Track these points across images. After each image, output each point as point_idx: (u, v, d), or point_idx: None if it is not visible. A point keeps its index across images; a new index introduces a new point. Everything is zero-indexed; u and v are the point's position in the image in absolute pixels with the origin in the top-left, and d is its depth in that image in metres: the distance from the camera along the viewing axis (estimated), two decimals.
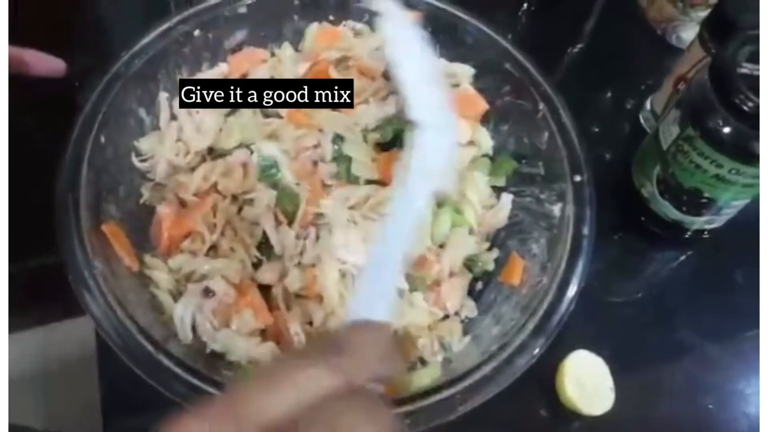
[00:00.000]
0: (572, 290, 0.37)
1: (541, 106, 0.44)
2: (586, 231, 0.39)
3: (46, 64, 0.41)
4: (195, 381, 0.32)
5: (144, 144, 0.44)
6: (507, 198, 0.45)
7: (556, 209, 0.41)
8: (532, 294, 0.38)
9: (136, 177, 0.43)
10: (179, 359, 0.32)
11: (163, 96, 0.45)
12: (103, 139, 0.40)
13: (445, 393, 0.34)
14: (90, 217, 0.37)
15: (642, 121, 0.55)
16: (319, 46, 0.47)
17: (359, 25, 0.49)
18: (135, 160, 0.43)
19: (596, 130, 0.60)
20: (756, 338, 0.48)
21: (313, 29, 0.48)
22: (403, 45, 0.37)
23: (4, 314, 0.35)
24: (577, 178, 0.41)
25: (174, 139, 0.44)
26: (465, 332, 0.41)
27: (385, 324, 0.28)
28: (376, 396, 0.25)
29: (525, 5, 0.65)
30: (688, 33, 0.52)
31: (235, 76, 0.46)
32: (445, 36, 0.48)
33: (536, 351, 0.35)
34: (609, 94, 0.63)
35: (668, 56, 0.55)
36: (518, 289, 0.40)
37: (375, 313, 0.28)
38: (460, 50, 0.48)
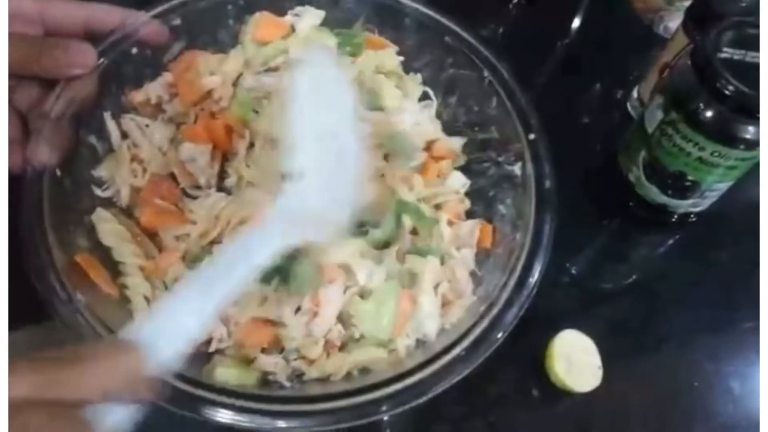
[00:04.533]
0: (545, 241, 0.43)
1: (486, 72, 0.50)
2: (548, 184, 0.45)
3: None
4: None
5: (102, 171, 0.49)
6: (457, 175, 0.53)
7: (516, 168, 0.48)
8: (509, 252, 0.44)
9: (99, 205, 0.48)
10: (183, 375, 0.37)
11: (107, 116, 0.49)
12: (58, 173, 0.44)
13: (445, 358, 0.39)
14: (62, 255, 0.41)
15: (630, 109, 0.61)
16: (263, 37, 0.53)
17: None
18: (97, 191, 0.48)
19: (587, 120, 0.67)
20: (740, 317, 0.56)
21: (256, 18, 0.53)
22: (316, 88, 0.41)
23: (4, 314, 0.38)
24: (532, 136, 0.47)
25: (128, 159, 0.49)
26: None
27: (144, 350, 0.30)
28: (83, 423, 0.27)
29: None
30: (675, 23, 0.60)
31: (180, 82, 0.51)
32: (384, 18, 0.55)
33: (522, 305, 0.41)
34: (598, 85, 0.70)
35: (656, 46, 0.66)
36: (493, 250, 0.47)
37: (178, 329, 0.31)
38: (399, 31, 0.55)
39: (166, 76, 0.51)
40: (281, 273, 0.43)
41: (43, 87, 0.45)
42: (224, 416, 0.36)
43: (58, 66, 0.44)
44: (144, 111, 0.51)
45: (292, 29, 0.54)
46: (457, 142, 0.53)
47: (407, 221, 0.48)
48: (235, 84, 0.52)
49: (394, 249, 0.47)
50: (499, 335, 0.39)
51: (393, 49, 0.55)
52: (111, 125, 0.49)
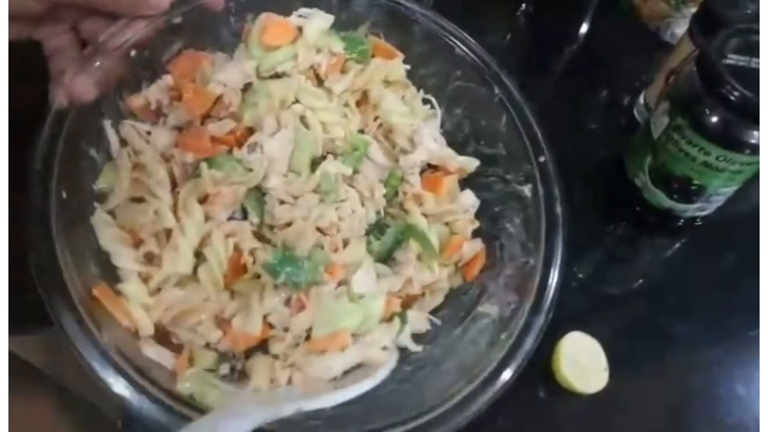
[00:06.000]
0: (557, 266, 0.43)
1: (497, 90, 0.51)
2: (558, 210, 0.46)
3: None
4: None
5: (102, 182, 0.46)
6: (468, 194, 0.53)
7: (527, 190, 0.48)
8: (521, 274, 0.45)
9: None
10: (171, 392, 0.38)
11: (107, 123, 0.47)
12: (65, 195, 0.42)
13: (470, 387, 0.40)
14: (77, 286, 0.39)
15: (636, 114, 0.62)
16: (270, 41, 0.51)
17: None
18: (99, 208, 0.45)
19: (593, 126, 0.68)
20: (746, 320, 0.56)
21: (261, 20, 0.52)
22: None
23: (4, 314, 0.37)
24: (542, 159, 0.47)
25: (129, 168, 0.47)
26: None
27: None
28: None
29: (523, 6, 0.69)
30: (681, 29, 0.60)
31: (186, 90, 0.48)
32: (392, 24, 0.54)
33: (539, 327, 0.41)
34: (605, 91, 0.71)
35: (662, 52, 0.67)
36: (502, 269, 0.47)
37: None
38: (406, 38, 0.55)
39: (167, 79, 0.49)
40: (291, 264, 0.43)
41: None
42: None
43: (133, 4, 0.43)
44: (143, 116, 0.49)
45: (299, 31, 0.52)
46: (470, 163, 0.53)
47: (414, 246, 0.48)
48: (244, 89, 0.51)
49: (402, 274, 0.47)
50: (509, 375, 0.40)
51: (400, 58, 0.54)
52: (110, 133, 0.47)
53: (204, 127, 0.48)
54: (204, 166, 0.46)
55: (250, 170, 0.47)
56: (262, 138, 0.48)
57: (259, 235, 0.47)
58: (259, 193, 0.48)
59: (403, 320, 0.46)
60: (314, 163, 0.50)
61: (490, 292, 0.47)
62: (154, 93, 0.49)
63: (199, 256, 0.45)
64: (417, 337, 0.47)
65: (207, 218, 0.46)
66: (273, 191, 0.47)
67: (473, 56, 0.52)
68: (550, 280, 0.43)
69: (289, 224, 0.47)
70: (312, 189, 0.48)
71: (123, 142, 0.48)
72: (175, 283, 0.44)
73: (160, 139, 0.48)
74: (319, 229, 0.47)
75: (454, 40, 0.52)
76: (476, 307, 0.47)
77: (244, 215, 0.48)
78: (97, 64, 0.44)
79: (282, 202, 0.48)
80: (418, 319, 0.48)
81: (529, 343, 0.41)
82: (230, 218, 0.48)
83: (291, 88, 0.51)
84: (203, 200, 0.47)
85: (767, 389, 0.51)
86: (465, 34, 0.52)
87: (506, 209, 0.50)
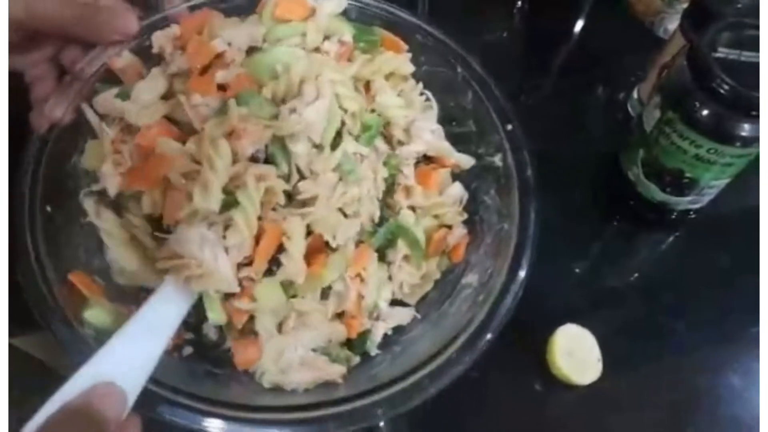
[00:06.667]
0: (531, 230, 0.44)
1: (459, 68, 0.52)
2: (529, 173, 0.46)
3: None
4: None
5: (88, 161, 0.47)
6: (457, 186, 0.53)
7: (497, 159, 0.49)
8: (498, 240, 0.46)
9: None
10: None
11: (85, 106, 0.47)
12: (49, 208, 0.43)
13: (462, 339, 0.40)
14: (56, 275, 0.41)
15: (630, 109, 0.61)
16: (282, 14, 0.51)
17: None
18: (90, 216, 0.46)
19: (589, 121, 0.69)
20: (740, 313, 0.56)
21: None
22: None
23: (4, 314, 0.38)
24: (509, 127, 0.48)
25: (110, 142, 0.46)
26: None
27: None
28: None
29: (519, 4, 0.69)
30: (674, 24, 0.61)
31: (191, 42, 0.48)
32: (354, 17, 0.54)
33: (518, 287, 0.42)
34: (601, 87, 0.72)
35: (656, 48, 0.69)
36: (483, 239, 0.48)
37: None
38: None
39: (174, 29, 0.49)
40: None
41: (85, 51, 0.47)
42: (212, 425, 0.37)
43: (101, 31, 0.45)
44: (125, 77, 0.48)
45: (312, 12, 0.52)
46: (465, 161, 0.53)
47: (403, 247, 0.49)
48: (248, 52, 0.49)
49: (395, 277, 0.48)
50: (489, 336, 0.40)
51: (407, 53, 0.54)
52: (89, 113, 0.47)
53: (210, 74, 0.47)
54: (232, 102, 0.45)
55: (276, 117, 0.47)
56: (301, 105, 0.46)
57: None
58: (283, 143, 0.47)
59: (361, 346, 0.47)
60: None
61: (473, 263, 0.48)
62: (159, 38, 0.49)
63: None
64: None
65: (234, 155, 0.45)
66: (299, 157, 0.46)
67: (433, 40, 0.52)
68: (525, 242, 0.43)
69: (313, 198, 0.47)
70: (332, 168, 0.47)
71: (102, 117, 0.48)
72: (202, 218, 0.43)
73: (143, 94, 0.47)
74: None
75: (413, 27, 0.52)
76: (461, 280, 0.48)
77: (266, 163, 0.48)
78: (75, 90, 0.46)
79: (301, 176, 0.47)
80: (403, 315, 0.48)
81: (509, 300, 0.41)
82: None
83: (316, 60, 0.49)
84: (228, 136, 0.45)
85: (767, 393, 0.51)
86: (421, 22, 0.53)
87: (482, 183, 0.51)
